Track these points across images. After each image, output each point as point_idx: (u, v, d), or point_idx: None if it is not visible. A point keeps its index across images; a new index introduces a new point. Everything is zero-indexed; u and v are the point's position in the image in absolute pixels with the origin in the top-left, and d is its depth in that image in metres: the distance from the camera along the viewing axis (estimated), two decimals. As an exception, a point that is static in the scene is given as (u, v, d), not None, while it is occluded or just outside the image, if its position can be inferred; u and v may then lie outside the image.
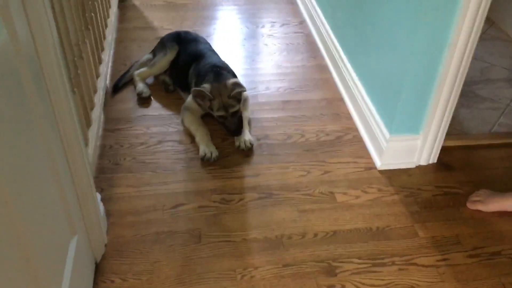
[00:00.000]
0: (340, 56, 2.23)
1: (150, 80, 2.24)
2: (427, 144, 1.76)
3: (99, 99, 1.87)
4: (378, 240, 1.52)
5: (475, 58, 2.44)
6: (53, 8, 1.29)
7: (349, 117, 2.07)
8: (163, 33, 2.44)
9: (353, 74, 2.06)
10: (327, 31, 2.45)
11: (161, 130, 1.95)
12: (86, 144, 1.54)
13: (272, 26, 2.83)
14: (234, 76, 2.03)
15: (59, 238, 1.09)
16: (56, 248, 1.06)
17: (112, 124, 1.97)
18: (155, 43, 2.33)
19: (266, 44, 2.64)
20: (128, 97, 2.14)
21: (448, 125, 1.73)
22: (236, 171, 1.77)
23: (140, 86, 2.14)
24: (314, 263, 1.44)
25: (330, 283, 1.38)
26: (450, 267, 1.44)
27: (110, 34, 2.36)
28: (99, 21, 2.10)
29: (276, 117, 2.06)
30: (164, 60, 2.17)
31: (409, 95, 1.63)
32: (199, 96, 1.86)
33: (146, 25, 2.77)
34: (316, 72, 2.39)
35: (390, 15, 1.69)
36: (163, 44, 2.22)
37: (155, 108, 2.08)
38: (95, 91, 1.85)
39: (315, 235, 1.53)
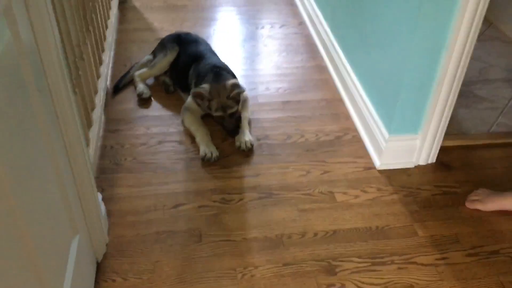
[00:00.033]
0: (339, 57, 2.24)
1: (150, 81, 2.25)
2: (426, 144, 1.77)
3: (99, 100, 1.88)
4: (377, 239, 1.53)
5: (474, 58, 2.45)
6: (54, 9, 1.30)
7: (348, 117, 2.08)
8: (163, 34, 2.45)
9: (352, 75, 2.08)
10: (326, 32, 2.46)
11: (162, 130, 1.97)
12: (87, 145, 1.55)
13: (271, 27, 2.84)
14: (234, 76, 2.04)
15: (61, 237, 1.09)
16: (58, 248, 1.06)
17: (112, 125, 1.98)
18: (155, 44, 2.34)
19: (265, 45, 2.65)
20: (128, 97, 2.15)
21: (446, 125, 1.74)
22: (236, 171, 1.78)
23: (141, 87, 2.15)
24: (314, 262, 1.45)
25: (330, 282, 1.39)
26: (449, 266, 1.45)
27: (111, 35, 2.37)
28: (100, 22, 2.11)
29: (276, 118, 2.07)
30: (165, 61, 2.18)
31: (408, 95, 1.65)
32: (198, 96, 1.87)
33: (146, 26, 2.78)
34: (316, 72, 2.40)
35: (389, 16, 1.70)
36: (163, 45, 2.23)
37: (156, 109, 2.09)
38: (95, 92, 1.86)
39: (315, 234, 1.54)
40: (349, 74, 2.11)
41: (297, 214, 1.61)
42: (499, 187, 1.71)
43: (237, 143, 1.86)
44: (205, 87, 1.87)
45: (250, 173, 1.77)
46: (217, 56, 2.14)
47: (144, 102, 2.13)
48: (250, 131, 1.94)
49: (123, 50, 2.52)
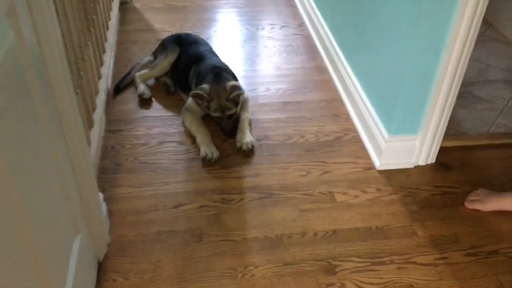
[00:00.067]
0: (339, 58, 2.25)
1: (151, 82, 2.26)
2: (426, 144, 1.78)
3: (101, 100, 1.88)
4: (377, 239, 1.54)
5: (473, 59, 2.46)
6: (56, 10, 1.31)
7: (348, 118, 2.09)
8: (164, 35, 2.46)
9: (352, 76, 2.08)
10: (326, 33, 2.47)
11: (162, 131, 1.97)
12: (88, 145, 1.56)
13: (271, 28, 2.85)
14: (234, 77, 2.05)
15: (63, 237, 1.10)
16: (61, 247, 1.07)
17: (113, 125, 1.98)
18: (155, 45, 2.35)
19: (266, 46, 2.66)
20: (129, 98, 2.16)
21: (446, 125, 1.75)
22: (236, 171, 1.79)
23: (142, 87, 2.16)
24: (314, 262, 1.45)
25: (329, 281, 1.40)
26: (449, 265, 1.46)
27: (112, 36, 2.38)
28: (101, 23, 2.12)
29: (276, 118, 2.08)
30: (165, 62, 2.18)
31: (408, 96, 1.65)
32: (197, 96, 1.88)
33: (147, 27, 2.79)
34: (316, 73, 2.41)
35: (389, 17, 1.71)
36: (164, 46, 2.24)
37: (156, 109, 2.10)
38: (97, 93, 1.86)
39: (315, 234, 1.55)
40: (349, 75, 2.12)
41: (297, 214, 1.61)
42: (498, 187, 1.72)
43: (238, 144, 1.87)
44: (205, 87, 1.88)
45: (250, 173, 1.78)
46: (218, 57, 2.15)
47: (145, 102, 2.13)
48: (250, 132, 1.95)
49: (124, 51, 2.53)
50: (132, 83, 2.23)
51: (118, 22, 2.76)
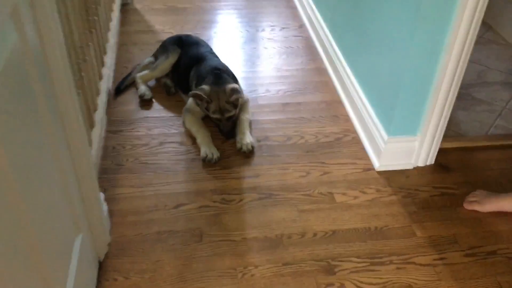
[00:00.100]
0: (339, 59, 2.26)
1: (151, 83, 2.27)
2: (425, 145, 1.79)
3: (102, 101, 1.89)
4: (376, 240, 1.54)
5: (472, 61, 2.47)
6: (59, 11, 1.32)
7: (347, 119, 2.10)
8: (164, 36, 2.47)
9: (352, 77, 2.09)
10: (326, 35, 2.48)
11: (163, 131, 1.98)
12: (90, 146, 1.57)
13: (272, 29, 2.86)
14: (235, 79, 2.06)
15: (65, 236, 1.11)
16: (62, 247, 1.08)
17: (114, 126, 1.99)
18: (156, 46, 2.36)
19: (266, 48, 2.67)
20: (130, 99, 2.17)
21: (445, 127, 1.76)
22: (236, 172, 1.80)
23: (142, 88, 2.17)
24: (313, 262, 1.46)
25: (329, 281, 1.41)
26: (447, 266, 1.47)
27: (112, 37, 2.39)
28: (102, 24, 2.13)
29: (276, 119, 2.09)
30: (166, 63, 2.19)
31: (407, 97, 1.66)
32: (197, 97, 1.89)
33: (148, 28, 2.80)
34: (315, 75, 2.42)
35: (388, 19, 1.72)
36: (165, 47, 2.25)
37: (157, 110, 2.11)
38: (98, 93, 1.88)
39: (315, 234, 1.56)
40: (348, 77, 2.13)
41: (296, 215, 1.62)
42: (497, 188, 1.73)
43: (238, 145, 1.88)
44: (205, 89, 1.89)
45: (250, 174, 1.79)
46: (218, 58, 2.16)
47: (145, 103, 2.14)
48: (250, 133, 1.96)
49: (125, 52, 2.54)
50: (133, 84, 2.24)
51: (119, 23, 2.77)
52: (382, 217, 1.63)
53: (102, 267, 1.42)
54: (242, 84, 2.27)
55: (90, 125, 1.67)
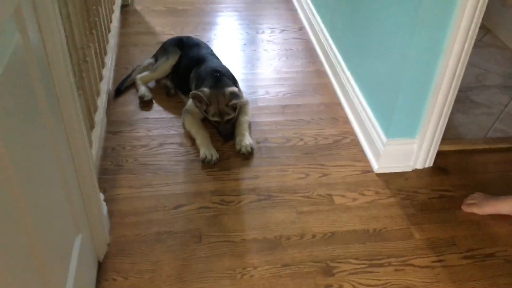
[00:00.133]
0: (338, 62, 2.27)
1: (151, 84, 2.27)
2: (423, 148, 1.80)
3: (102, 102, 1.90)
4: (375, 241, 1.55)
5: (471, 64, 2.48)
6: (60, 12, 1.32)
7: (347, 121, 2.11)
8: (165, 38, 2.48)
9: (351, 80, 2.10)
10: (325, 37, 2.49)
11: (162, 132, 1.99)
12: (90, 146, 1.57)
13: (271, 32, 2.87)
14: (234, 81, 2.07)
15: (65, 236, 1.11)
16: (62, 247, 1.08)
17: (114, 127, 2.00)
18: (156, 48, 2.36)
19: (265, 50, 2.68)
20: (130, 100, 2.18)
21: (444, 129, 1.77)
22: (236, 173, 1.80)
23: (142, 89, 2.17)
24: (312, 263, 1.47)
25: (327, 283, 1.41)
26: (445, 268, 1.47)
27: (113, 39, 2.40)
28: (103, 25, 2.14)
29: (275, 121, 2.10)
30: (166, 65, 2.20)
31: (406, 100, 1.67)
32: (196, 98, 1.89)
33: (148, 30, 2.81)
34: (315, 77, 2.43)
35: (387, 22, 1.73)
36: (165, 49, 2.26)
37: (157, 111, 2.12)
38: (98, 94, 1.88)
39: (313, 236, 1.56)
40: (347, 79, 2.14)
41: (295, 216, 1.63)
42: (495, 191, 1.73)
43: (238, 147, 1.88)
44: (205, 91, 1.89)
45: (249, 175, 1.80)
46: (219, 60, 2.17)
47: (145, 104, 2.15)
48: (250, 135, 1.97)
49: (125, 53, 2.55)
50: (133, 85, 2.25)
51: (119, 25, 2.78)
52: (380, 219, 1.63)
53: (101, 267, 1.42)
54: (242, 86, 2.28)
55: (90, 125, 1.67)
